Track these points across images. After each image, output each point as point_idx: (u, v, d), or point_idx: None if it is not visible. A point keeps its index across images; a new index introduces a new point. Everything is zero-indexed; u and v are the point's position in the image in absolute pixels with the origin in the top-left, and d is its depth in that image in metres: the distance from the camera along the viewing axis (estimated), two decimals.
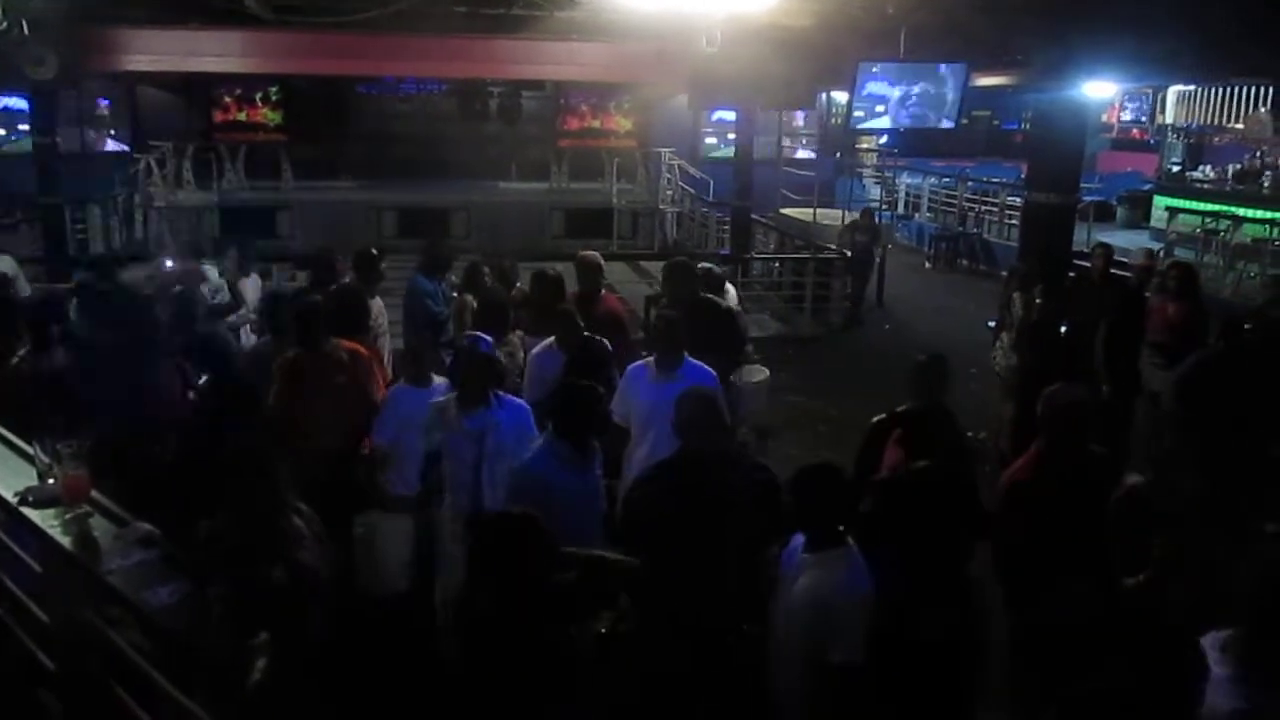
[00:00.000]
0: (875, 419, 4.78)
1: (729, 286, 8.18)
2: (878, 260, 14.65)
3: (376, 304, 7.15)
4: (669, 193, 18.99)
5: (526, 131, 20.65)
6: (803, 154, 22.90)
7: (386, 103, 21.54)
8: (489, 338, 4.79)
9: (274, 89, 19.44)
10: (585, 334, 5.88)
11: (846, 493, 3.63)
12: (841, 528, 3.53)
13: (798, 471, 3.56)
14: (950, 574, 4.10)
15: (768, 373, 7.64)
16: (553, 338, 5.87)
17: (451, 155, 20.12)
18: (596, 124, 20.73)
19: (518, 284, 7.71)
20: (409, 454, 5.03)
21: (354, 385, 5.55)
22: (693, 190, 18.73)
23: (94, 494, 4.14)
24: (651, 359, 5.44)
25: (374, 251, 7.49)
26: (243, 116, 19.56)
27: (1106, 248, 9.12)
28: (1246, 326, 6.63)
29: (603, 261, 7.26)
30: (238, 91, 19.36)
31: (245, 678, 3.04)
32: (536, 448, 4.32)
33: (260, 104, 19.52)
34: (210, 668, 3.12)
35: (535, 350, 5.91)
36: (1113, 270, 8.68)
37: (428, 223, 16.68)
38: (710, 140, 22.26)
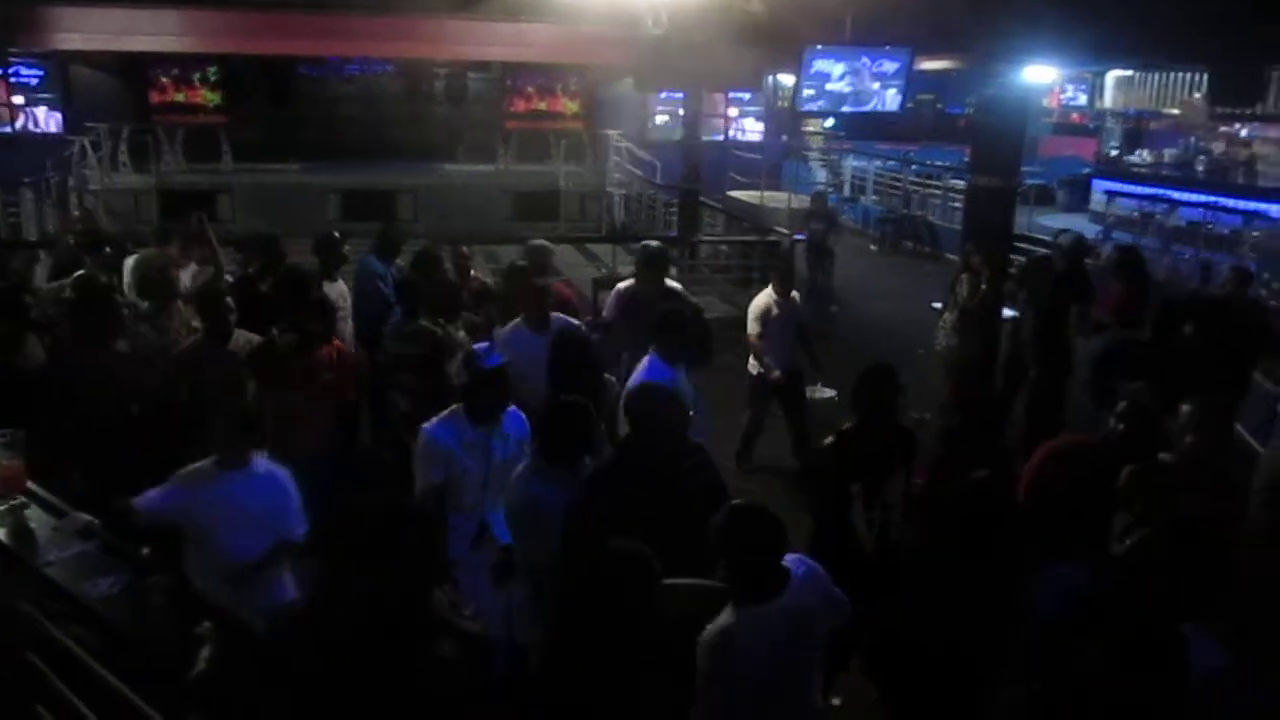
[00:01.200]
0: (827, 442, 4.61)
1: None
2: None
3: (338, 287, 7.09)
4: (616, 175, 18.95)
5: (473, 113, 20.50)
6: (750, 136, 22.96)
7: (330, 84, 21.24)
8: (496, 353, 4.56)
9: (213, 69, 19.09)
10: (565, 326, 5.88)
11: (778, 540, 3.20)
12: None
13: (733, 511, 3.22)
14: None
15: (833, 393, 8.12)
16: (519, 319, 5.85)
17: (397, 137, 19.92)
18: (544, 106, 20.64)
19: (472, 271, 7.66)
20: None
21: (338, 384, 5.56)
22: (640, 172, 18.71)
23: (30, 485, 4.05)
24: (657, 353, 5.33)
25: (335, 235, 7.43)
26: (181, 97, 19.19)
27: (1069, 232, 9.31)
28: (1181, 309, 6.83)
29: (552, 247, 7.27)
30: (175, 72, 18.99)
31: (189, 668, 3.01)
32: (525, 467, 4.17)
33: (199, 85, 19.17)
34: (153, 658, 3.08)
35: (503, 333, 5.87)
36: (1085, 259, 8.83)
37: (373, 206, 16.50)
38: (662, 118, 22.21)
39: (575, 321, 6.16)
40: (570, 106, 20.56)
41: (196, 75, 19.07)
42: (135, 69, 18.96)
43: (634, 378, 5.13)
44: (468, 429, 4.40)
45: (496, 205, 18.03)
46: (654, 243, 7.58)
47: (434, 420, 4.44)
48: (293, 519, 4.21)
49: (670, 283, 7.02)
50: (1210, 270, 12.58)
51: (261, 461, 4.23)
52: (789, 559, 3.23)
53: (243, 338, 5.61)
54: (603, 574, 2.92)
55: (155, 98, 19.08)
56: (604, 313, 6.96)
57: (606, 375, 5.61)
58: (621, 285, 6.95)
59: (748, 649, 3.03)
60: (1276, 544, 5.91)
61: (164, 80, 18.99)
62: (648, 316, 5.74)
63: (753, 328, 7.58)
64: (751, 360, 7.71)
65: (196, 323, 5.86)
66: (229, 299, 5.75)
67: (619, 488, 3.77)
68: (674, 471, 3.84)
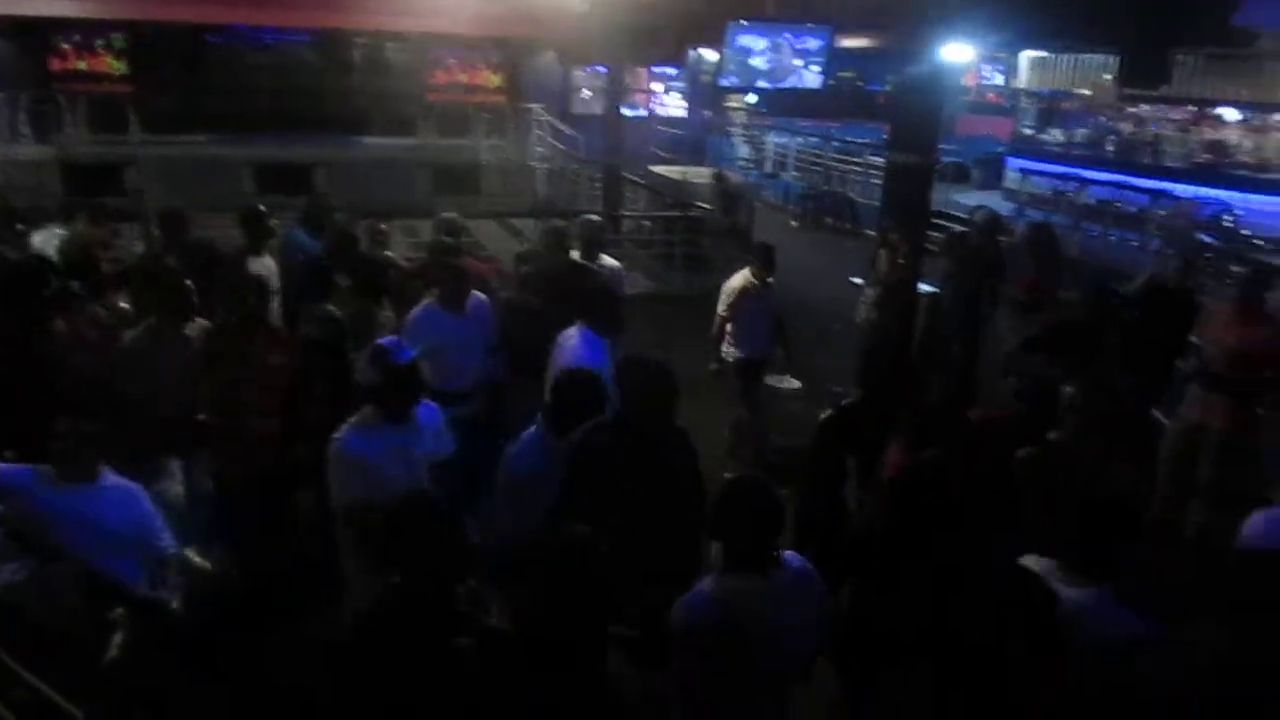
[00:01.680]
0: (825, 417, 4.62)
1: None
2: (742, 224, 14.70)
3: (265, 262, 6.88)
4: (539, 149, 18.79)
5: (392, 85, 20.09)
6: (674, 111, 22.95)
7: (243, 53, 20.58)
8: (407, 347, 4.23)
9: (118, 36, 18.35)
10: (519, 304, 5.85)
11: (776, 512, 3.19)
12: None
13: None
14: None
15: (799, 384, 8.11)
16: (434, 297, 5.70)
17: (313, 109, 19.42)
18: (465, 79, 20.32)
19: (388, 252, 7.50)
20: None
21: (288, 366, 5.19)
22: (563, 147, 18.58)
23: None
24: (585, 327, 5.28)
25: (261, 208, 7.21)
26: (84, 65, 18.42)
27: (985, 209, 9.49)
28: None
29: (464, 222, 7.19)
30: (77, 38, 18.21)
31: (101, 654, 2.93)
32: (527, 440, 4.08)
33: (103, 52, 18.42)
34: (62, 645, 3.00)
35: (418, 309, 5.70)
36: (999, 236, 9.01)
37: (288, 179, 16.11)
38: (586, 92, 22.07)
39: (484, 298, 6.00)
40: (492, 80, 20.27)
41: (101, 42, 18.32)
42: (34, 34, 18.16)
43: (567, 354, 5.08)
44: (386, 432, 4.08)
45: (416, 179, 17.73)
46: (595, 217, 7.59)
47: (346, 427, 4.08)
48: (159, 534, 3.98)
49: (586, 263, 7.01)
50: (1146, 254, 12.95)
51: (110, 476, 3.91)
52: (791, 555, 3.23)
53: (198, 324, 5.32)
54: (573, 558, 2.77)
55: (56, 65, 18.29)
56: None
57: None
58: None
59: (725, 618, 3.01)
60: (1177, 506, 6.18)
61: (65, 47, 18.21)
62: (555, 292, 5.75)
63: (721, 308, 7.34)
64: (726, 346, 7.44)
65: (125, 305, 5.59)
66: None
67: (610, 457, 3.74)
68: (662, 448, 3.82)
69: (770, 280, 7.51)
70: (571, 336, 5.25)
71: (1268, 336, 6.10)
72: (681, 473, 3.84)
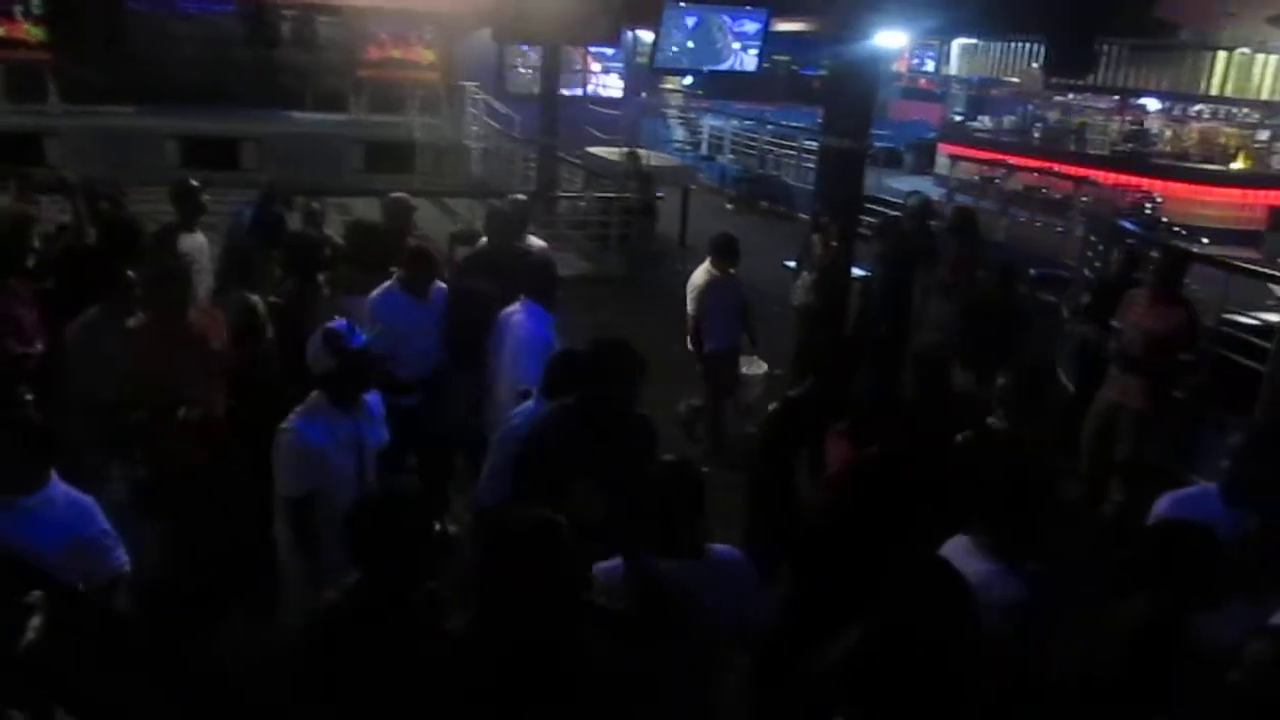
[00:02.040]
0: (772, 410, 4.65)
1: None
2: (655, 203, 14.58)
3: (196, 239, 6.69)
4: (474, 128, 18.60)
5: (323, 59, 19.70)
6: (610, 92, 22.86)
7: (165, 22, 20.00)
8: (357, 331, 4.03)
9: (36, 1, 17.75)
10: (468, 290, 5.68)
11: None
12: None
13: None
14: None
15: (766, 367, 7.95)
16: (394, 280, 5.50)
17: (241, 81, 18.97)
18: (398, 54, 20.01)
19: (327, 230, 7.36)
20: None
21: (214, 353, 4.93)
22: (499, 126, 18.42)
23: None
24: (531, 302, 5.25)
25: (194, 183, 6.95)
26: (0, 31, 17.80)
27: (919, 195, 9.62)
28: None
29: (412, 203, 7.05)
30: None
31: (17, 638, 2.86)
32: (526, 414, 4.06)
33: (20, 18, 17.79)
34: None
35: (378, 293, 5.47)
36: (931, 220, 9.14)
37: (215, 153, 15.77)
38: (521, 71, 21.85)
39: (444, 285, 5.80)
40: (426, 56, 19.98)
41: (18, 8, 17.69)
42: None
43: (517, 329, 5.07)
44: (338, 420, 3.92)
45: (348, 156, 17.45)
46: (521, 197, 7.52)
47: (295, 416, 3.89)
48: (109, 554, 3.56)
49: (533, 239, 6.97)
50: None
51: (58, 485, 3.50)
52: (725, 550, 3.25)
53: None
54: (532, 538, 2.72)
55: None
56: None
57: None
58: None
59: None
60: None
61: None
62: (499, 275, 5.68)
63: (691, 308, 7.24)
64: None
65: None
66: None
67: (571, 433, 3.76)
68: (623, 426, 3.84)
69: (733, 270, 7.42)
70: (516, 312, 5.20)
71: (1181, 320, 6.31)
72: (641, 455, 3.80)
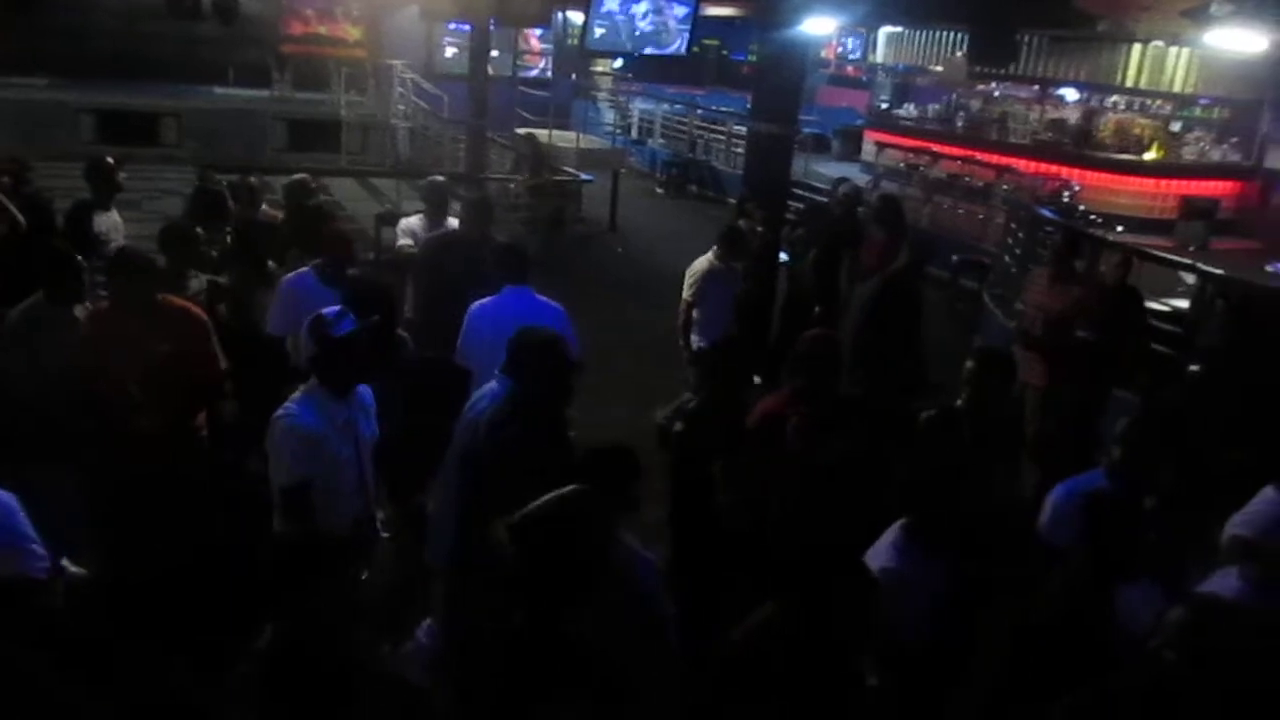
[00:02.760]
0: (677, 431, 4.52)
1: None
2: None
3: (111, 218, 6.49)
4: (401, 107, 18.35)
5: (245, 33, 19.26)
6: (539, 73, 22.72)
7: None
8: (349, 315, 3.87)
9: None
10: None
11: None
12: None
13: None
14: None
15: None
16: (309, 267, 5.31)
17: (160, 55, 18.47)
18: (323, 30, 19.63)
19: (264, 207, 7.14)
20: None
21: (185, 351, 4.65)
22: (427, 106, 18.20)
23: None
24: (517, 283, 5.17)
25: (109, 159, 6.74)
26: None
27: (845, 181, 9.74)
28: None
29: (317, 183, 6.92)
30: None
31: None
32: (491, 397, 3.92)
33: None
34: None
35: (289, 279, 5.29)
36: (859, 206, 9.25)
37: (132, 128, 15.39)
38: (451, 51, 21.61)
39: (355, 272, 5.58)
40: (352, 33, 19.63)
41: None
42: None
43: (509, 312, 4.85)
44: (334, 406, 3.79)
45: (271, 133, 17.12)
46: (440, 178, 7.43)
47: (293, 403, 3.75)
48: (29, 558, 3.33)
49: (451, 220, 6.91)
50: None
51: None
52: (634, 547, 3.26)
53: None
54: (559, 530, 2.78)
55: None
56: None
57: None
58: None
59: None
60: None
61: None
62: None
63: (687, 293, 6.98)
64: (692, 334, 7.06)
65: None
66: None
67: (511, 432, 3.68)
68: (560, 420, 3.79)
69: (735, 265, 7.29)
70: (508, 299, 5.06)
71: (1077, 297, 6.58)
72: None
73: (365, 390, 4.00)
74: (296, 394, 3.80)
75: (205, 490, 4.58)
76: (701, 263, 7.10)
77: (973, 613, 3.16)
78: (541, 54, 22.97)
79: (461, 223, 6.42)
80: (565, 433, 3.92)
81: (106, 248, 5.99)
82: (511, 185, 14.99)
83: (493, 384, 4.03)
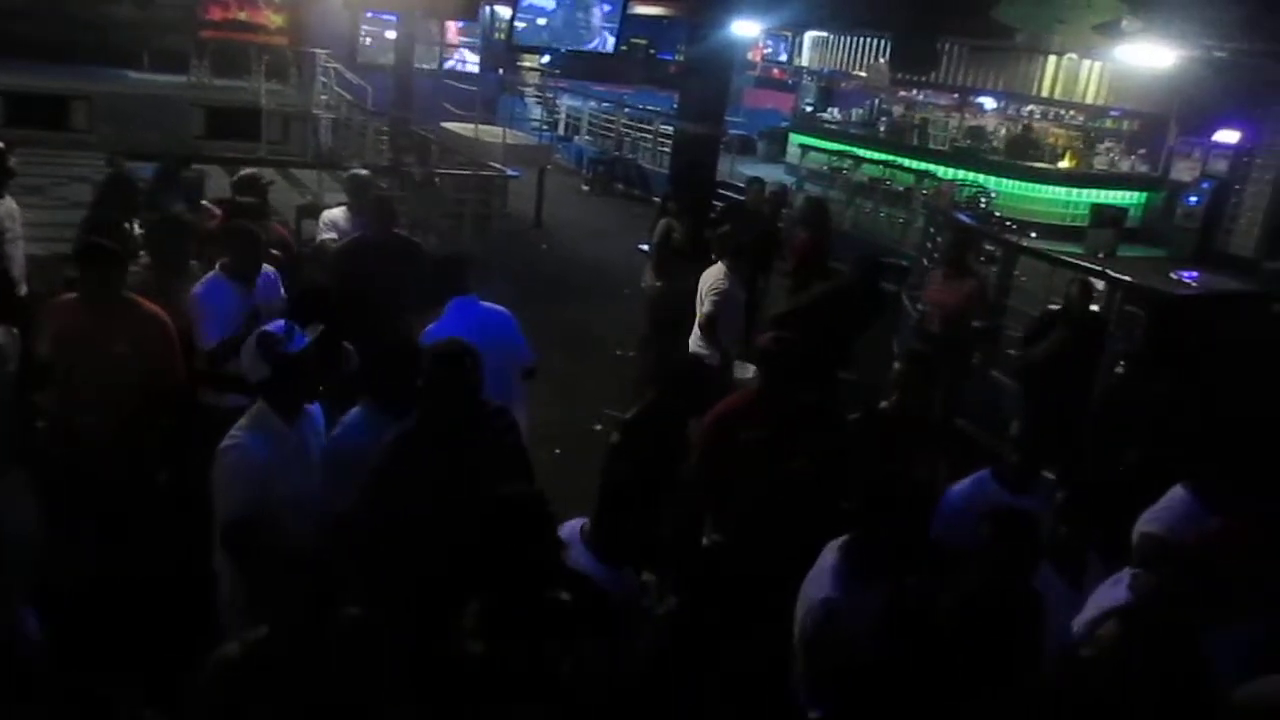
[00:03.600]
0: (613, 443, 4.36)
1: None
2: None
3: (6, 205, 6.14)
4: (324, 97, 18.03)
5: (163, 17, 18.77)
6: (467, 67, 22.51)
7: None
8: (296, 329, 3.62)
9: None
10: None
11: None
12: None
13: None
14: None
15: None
16: (217, 268, 4.98)
17: (71, 36, 17.87)
18: (244, 16, 19.24)
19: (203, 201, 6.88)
20: None
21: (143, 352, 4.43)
22: (350, 96, 17.90)
23: None
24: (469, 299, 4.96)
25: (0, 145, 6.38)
26: None
27: (761, 181, 9.82)
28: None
29: (271, 179, 6.71)
30: None
31: None
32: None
33: None
34: None
35: (201, 285, 4.93)
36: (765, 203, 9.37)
37: (40, 111, 14.84)
38: (367, 40, 21.29)
39: (272, 272, 5.30)
40: (274, 19, 19.26)
41: None
42: None
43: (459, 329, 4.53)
44: (284, 433, 3.55)
45: (187, 121, 16.65)
46: (363, 171, 7.31)
47: (242, 431, 3.49)
48: None
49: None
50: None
51: None
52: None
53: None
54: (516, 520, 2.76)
55: None
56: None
57: None
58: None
59: None
60: None
61: None
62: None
63: (709, 307, 6.55)
64: (696, 343, 6.72)
65: None
66: None
67: (413, 456, 3.45)
68: (469, 438, 3.53)
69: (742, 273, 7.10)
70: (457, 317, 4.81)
71: (971, 290, 6.90)
72: (486, 465, 3.50)
73: (315, 409, 3.80)
74: (244, 420, 3.55)
75: (149, 501, 4.36)
76: (718, 278, 6.72)
77: (913, 632, 3.10)
78: (459, 46, 22.71)
79: (368, 224, 6.22)
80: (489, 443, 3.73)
81: (2, 238, 5.79)
82: (435, 179, 14.83)
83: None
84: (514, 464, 3.67)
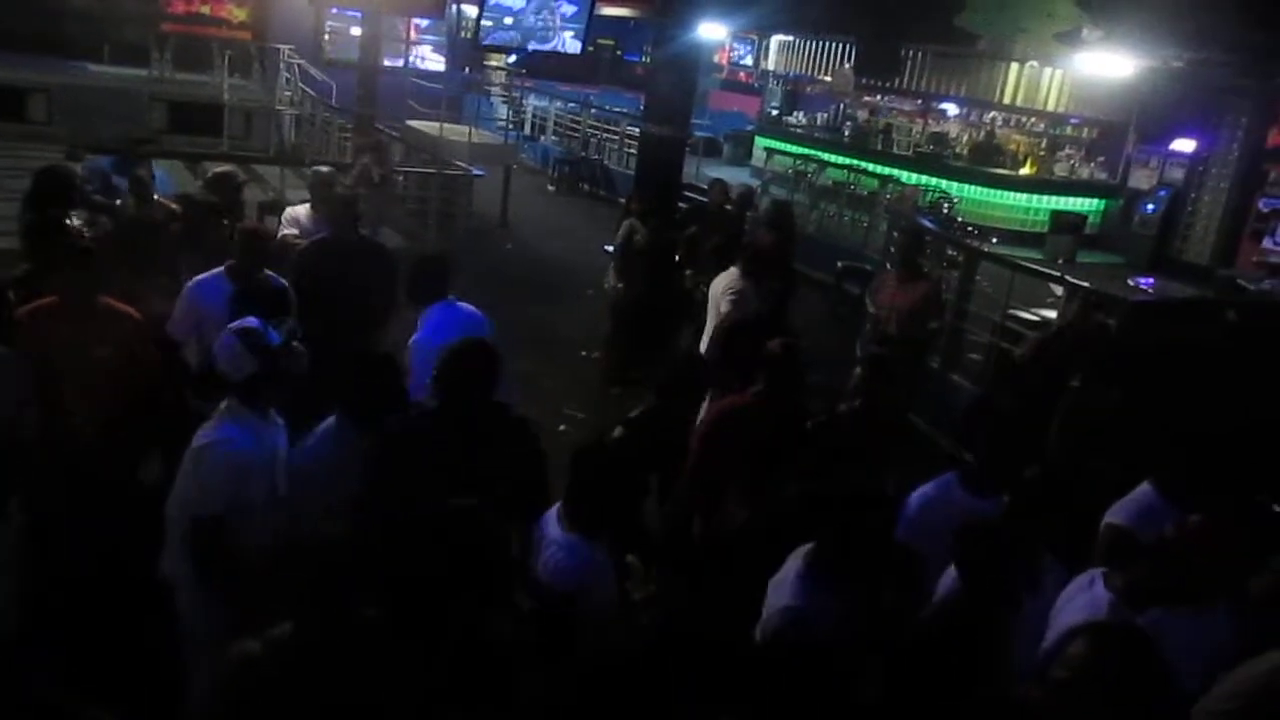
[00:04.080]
0: (617, 435, 4.37)
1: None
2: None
3: None
4: (288, 93, 17.87)
5: (123, 9, 18.52)
6: (433, 65, 22.41)
7: None
8: (272, 329, 3.54)
9: None
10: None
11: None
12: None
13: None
14: None
15: None
16: (222, 268, 4.96)
17: (29, 27, 17.58)
18: (206, 10, 19.03)
19: (156, 196, 6.74)
20: None
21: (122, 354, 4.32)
22: (314, 93, 17.76)
23: None
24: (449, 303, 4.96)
25: None
26: None
27: (722, 183, 9.84)
28: None
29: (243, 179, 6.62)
30: None
31: None
32: (326, 426, 3.68)
33: None
34: None
35: (195, 282, 4.93)
36: (727, 205, 9.37)
37: None
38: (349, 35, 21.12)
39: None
40: (237, 14, 19.06)
41: None
42: None
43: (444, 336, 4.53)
44: (260, 429, 3.48)
45: (149, 114, 16.44)
46: (325, 168, 7.25)
47: (218, 424, 3.42)
48: None
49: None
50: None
51: None
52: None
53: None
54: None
55: None
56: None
57: None
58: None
59: None
60: None
61: None
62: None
63: (728, 308, 6.41)
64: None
65: None
66: None
67: (419, 451, 3.47)
68: (479, 436, 3.57)
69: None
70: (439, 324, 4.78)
71: (925, 292, 7.00)
72: (516, 458, 3.66)
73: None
74: (221, 416, 3.46)
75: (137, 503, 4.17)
76: (733, 279, 6.58)
77: (879, 641, 3.10)
78: (418, 44, 22.58)
79: (330, 225, 6.06)
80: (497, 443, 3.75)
81: None
82: (400, 177, 14.75)
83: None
84: (525, 470, 3.68)
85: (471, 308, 5.03)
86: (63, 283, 4.30)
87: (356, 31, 18.54)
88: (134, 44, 18.26)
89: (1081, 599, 3.20)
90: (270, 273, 5.12)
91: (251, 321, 3.54)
